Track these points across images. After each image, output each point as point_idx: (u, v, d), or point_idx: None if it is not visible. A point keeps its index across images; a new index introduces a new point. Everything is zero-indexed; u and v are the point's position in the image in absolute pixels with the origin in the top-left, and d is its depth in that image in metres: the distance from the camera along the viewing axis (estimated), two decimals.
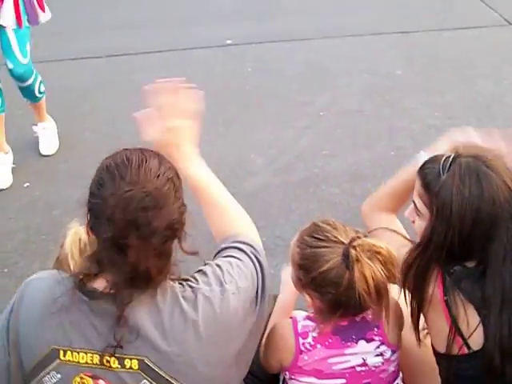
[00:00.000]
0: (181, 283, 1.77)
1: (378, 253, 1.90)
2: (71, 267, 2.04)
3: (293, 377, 2.06)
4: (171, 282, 1.74)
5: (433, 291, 1.89)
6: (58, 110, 5.67)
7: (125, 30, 7.50)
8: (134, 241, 1.59)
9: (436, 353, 1.97)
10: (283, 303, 2.39)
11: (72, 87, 6.40)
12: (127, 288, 1.63)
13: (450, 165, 1.90)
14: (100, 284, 1.67)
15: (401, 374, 2.16)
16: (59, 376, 1.65)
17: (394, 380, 2.11)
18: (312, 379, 2.03)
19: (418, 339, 2.03)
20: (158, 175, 1.68)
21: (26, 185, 4.81)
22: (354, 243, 1.93)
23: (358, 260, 1.89)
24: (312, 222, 2.08)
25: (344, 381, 2.02)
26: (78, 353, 1.64)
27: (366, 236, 1.99)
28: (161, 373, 1.63)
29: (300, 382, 2.05)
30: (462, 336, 1.84)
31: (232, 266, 1.87)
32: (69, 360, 1.64)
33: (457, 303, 1.85)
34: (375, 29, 7.12)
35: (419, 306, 1.95)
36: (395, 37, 6.94)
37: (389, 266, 1.91)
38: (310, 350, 2.03)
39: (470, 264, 1.91)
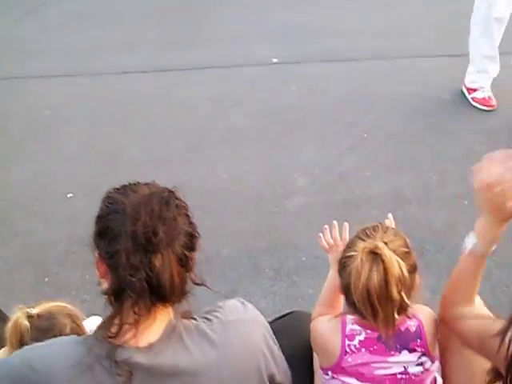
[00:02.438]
0: (192, 318, 1.72)
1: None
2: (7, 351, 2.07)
3: (335, 376, 2.08)
4: (181, 319, 1.69)
5: None
6: (108, 123, 5.77)
7: (170, 46, 7.59)
8: (161, 236, 1.54)
9: None
10: (332, 280, 2.38)
11: (121, 101, 6.50)
12: (149, 306, 1.58)
13: None
14: (117, 332, 1.59)
15: None
16: None
17: None
18: (353, 380, 2.05)
19: None
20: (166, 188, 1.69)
21: (69, 195, 4.88)
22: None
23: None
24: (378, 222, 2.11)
25: None
26: None
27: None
28: None
29: (341, 381, 2.08)
30: None
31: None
32: None
33: None
34: (424, 51, 7.07)
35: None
36: (445, 60, 6.88)
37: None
38: (354, 353, 2.04)
39: None
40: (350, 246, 2.03)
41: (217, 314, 1.73)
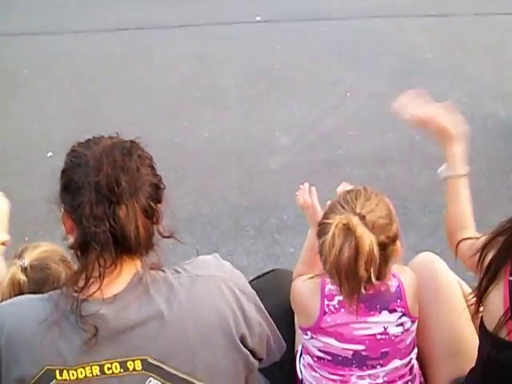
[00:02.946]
0: (161, 269, 1.68)
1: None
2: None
3: (314, 336, 2.07)
4: (149, 270, 1.65)
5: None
6: (87, 81, 5.72)
7: (154, 4, 7.50)
8: (124, 186, 1.52)
9: (483, 327, 1.93)
10: (311, 240, 2.36)
11: (101, 58, 6.44)
12: (114, 257, 1.55)
13: None
14: (83, 286, 1.55)
15: (416, 350, 2.16)
16: None
17: (410, 353, 2.11)
18: (332, 340, 2.04)
19: (477, 318, 1.99)
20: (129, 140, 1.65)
21: (49, 154, 4.84)
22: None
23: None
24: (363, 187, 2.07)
25: (363, 347, 2.04)
26: (76, 369, 1.55)
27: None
28: (166, 368, 1.58)
29: (320, 341, 2.07)
30: None
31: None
32: (66, 379, 1.56)
33: None
34: (408, 11, 7.05)
35: (491, 278, 1.86)
36: (428, 20, 6.87)
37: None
38: (333, 313, 2.03)
39: None
40: (329, 211, 1.98)
41: (186, 267, 1.70)
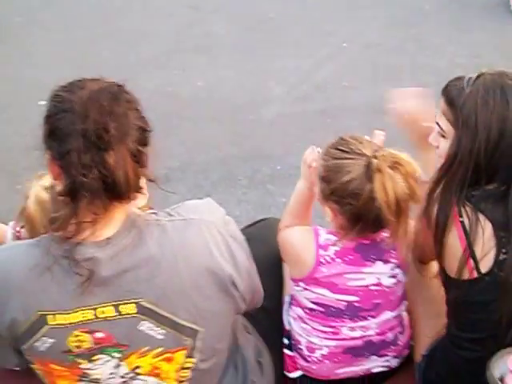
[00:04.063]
0: (153, 213, 1.67)
1: (400, 164, 1.88)
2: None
3: (307, 287, 2.06)
4: (142, 213, 1.65)
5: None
6: (80, 28, 5.66)
7: None
8: (113, 132, 1.48)
9: (446, 279, 1.95)
10: (303, 193, 2.34)
11: (94, 4, 6.38)
12: (104, 201, 1.52)
13: (475, 80, 1.88)
14: (74, 231, 1.53)
15: (406, 302, 2.17)
16: (52, 340, 1.57)
17: (400, 304, 2.12)
18: (325, 291, 2.03)
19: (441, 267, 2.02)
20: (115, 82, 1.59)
21: (41, 102, 4.78)
22: (377, 154, 1.90)
23: (379, 170, 1.86)
24: (339, 136, 2.04)
25: (357, 298, 2.03)
26: (69, 313, 1.55)
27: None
28: (159, 311, 1.58)
29: (313, 292, 2.06)
30: (474, 258, 1.83)
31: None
32: (59, 323, 1.56)
33: (475, 224, 1.82)
34: None
35: (444, 228, 1.90)
36: None
37: (410, 180, 1.88)
38: (329, 263, 2.02)
39: (491, 187, 1.88)
40: (337, 170, 1.96)
41: (179, 210, 1.69)
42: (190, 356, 1.65)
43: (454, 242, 1.86)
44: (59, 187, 1.54)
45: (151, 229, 1.60)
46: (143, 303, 1.56)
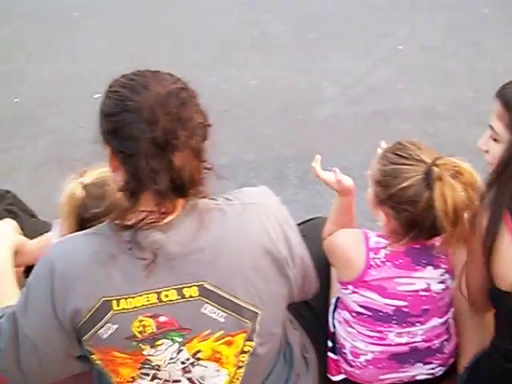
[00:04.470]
0: (211, 198, 1.69)
1: (461, 174, 1.86)
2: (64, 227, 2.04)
3: (356, 290, 2.05)
4: (201, 199, 1.65)
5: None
6: (138, 24, 5.69)
7: None
8: (181, 138, 1.49)
9: (497, 291, 1.92)
10: (343, 206, 2.35)
11: (152, 1, 6.42)
12: (171, 199, 1.56)
13: None
14: (138, 218, 1.56)
15: (452, 309, 2.14)
16: (116, 326, 1.59)
17: (448, 311, 2.09)
18: (374, 295, 2.02)
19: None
20: (175, 78, 1.60)
21: (96, 96, 4.85)
22: (438, 161, 1.88)
23: (440, 178, 1.84)
24: (396, 141, 2.03)
25: (405, 303, 2.01)
26: (133, 297, 1.58)
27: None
28: (221, 293, 1.60)
29: (362, 296, 2.05)
30: None
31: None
32: (123, 308, 1.58)
33: None
34: None
35: (494, 234, 1.88)
36: None
37: (470, 189, 1.86)
38: (379, 266, 2.01)
39: None
40: (396, 175, 1.95)
41: (237, 195, 1.73)
42: (249, 339, 1.67)
43: (507, 248, 1.83)
44: (119, 181, 1.57)
45: (212, 213, 1.63)
46: (206, 285, 1.58)
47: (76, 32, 6.12)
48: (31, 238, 2.46)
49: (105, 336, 1.61)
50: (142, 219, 1.54)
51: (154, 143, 1.48)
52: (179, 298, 1.59)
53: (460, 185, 1.84)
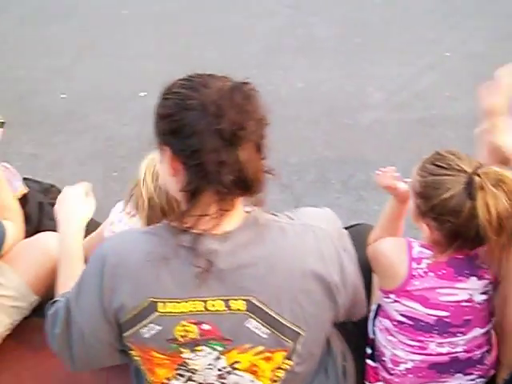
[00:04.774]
0: (273, 214, 1.69)
1: (504, 182, 1.84)
2: (142, 193, 2.03)
3: (398, 299, 2.04)
4: (262, 213, 1.65)
5: None
6: (184, 24, 5.70)
7: None
8: (248, 130, 1.49)
9: None
10: (393, 210, 2.34)
11: (199, 1, 6.45)
12: (233, 196, 1.56)
13: None
14: (194, 223, 1.56)
15: (493, 319, 2.12)
16: (159, 328, 1.60)
17: (489, 322, 2.07)
18: (416, 305, 2.00)
19: None
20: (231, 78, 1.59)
21: (142, 94, 4.89)
22: (479, 171, 1.86)
23: (482, 188, 1.83)
24: (435, 151, 2.01)
25: (447, 314, 1.98)
26: (180, 303, 1.58)
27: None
28: (267, 310, 1.59)
29: (404, 305, 2.03)
30: None
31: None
32: (169, 312, 1.59)
33: None
34: None
35: None
36: None
37: None
38: (422, 277, 1.99)
39: None
40: (437, 186, 1.93)
41: (299, 215, 1.72)
42: (288, 358, 1.66)
43: None
44: (178, 183, 1.57)
45: (271, 229, 1.62)
46: (253, 301, 1.58)
47: (124, 30, 6.18)
48: None
49: (146, 335, 1.62)
50: (198, 222, 1.54)
51: (220, 136, 1.48)
52: (225, 309, 1.58)
53: (503, 193, 1.82)
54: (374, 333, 2.20)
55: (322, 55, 5.42)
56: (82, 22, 6.43)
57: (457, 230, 1.89)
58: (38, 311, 2.52)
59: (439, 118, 4.61)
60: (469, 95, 4.79)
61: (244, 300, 1.58)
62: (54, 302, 1.83)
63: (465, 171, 1.87)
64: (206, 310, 1.58)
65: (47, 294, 2.54)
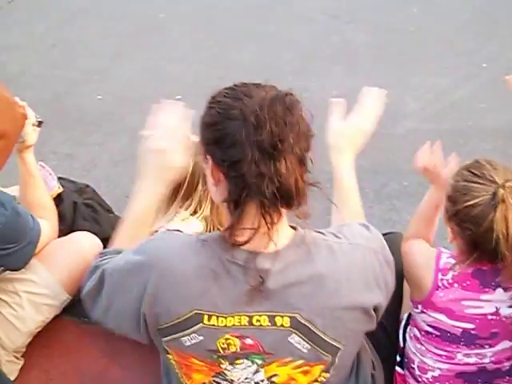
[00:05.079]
0: (319, 232, 1.67)
1: None
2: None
3: (425, 310, 2.04)
4: (308, 230, 1.64)
5: None
6: (222, 28, 5.71)
7: None
8: (288, 142, 1.47)
9: None
10: (433, 199, 2.32)
11: (237, 6, 6.50)
12: (276, 209, 1.53)
13: None
14: (246, 240, 1.54)
15: None
16: (201, 338, 1.61)
17: None
18: (442, 317, 2.00)
19: None
20: (276, 87, 1.57)
21: (177, 97, 4.92)
22: (507, 183, 1.85)
23: (503, 201, 1.81)
24: (474, 159, 2.00)
25: (473, 326, 1.98)
26: (226, 318, 1.58)
27: None
28: (312, 328, 1.58)
29: (431, 316, 2.04)
30: None
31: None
32: (213, 324, 1.59)
33: None
34: None
35: None
36: None
37: None
38: (446, 288, 1.99)
39: None
40: (465, 192, 1.92)
41: (345, 232, 1.69)
42: (326, 371, 1.66)
43: None
44: (221, 194, 1.57)
45: (319, 248, 1.61)
46: (299, 318, 1.57)
47: (160, 33, 6.23)
48: (107, 232, 2.53)
49: (187, 344, 1.62)
50: (249, 238, 1.53)
51: (260, 147, 1.47)
52: (270, 324, 1.58)
53: None
54: (404, 341, 2.20)
55: (358, 63, 5.41)
56: (119, 24, 6.48)
57: (476, 239, 1.88)
58: (69, 310, 2.55)
59: (475, 129, 4.58)
60: (506, 107, 4.78)
61: (289, 317, 1.57)
62: (105, 254, 1.85)
63: (495, 182, 1.86)
64: (251, 324, 1.58)
65: (79, 294, 2.57)
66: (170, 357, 1.70)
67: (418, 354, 2.10)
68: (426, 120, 4.69)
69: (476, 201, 1.84)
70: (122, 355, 2.49)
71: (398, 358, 2.22)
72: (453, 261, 2.00)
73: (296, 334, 1.58)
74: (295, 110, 1.52)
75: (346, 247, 1.64)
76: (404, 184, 3.98)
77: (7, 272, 2.41)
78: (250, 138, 1.47)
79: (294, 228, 1.63)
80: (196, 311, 1.58)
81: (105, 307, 1.71)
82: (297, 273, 1.57)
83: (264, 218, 1.52)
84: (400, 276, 2.19)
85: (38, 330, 2.47)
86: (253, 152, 1.47)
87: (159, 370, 1.92)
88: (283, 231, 1.59)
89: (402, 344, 2.22)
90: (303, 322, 1.57)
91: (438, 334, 2.03)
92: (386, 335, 2.22)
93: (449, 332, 2.01)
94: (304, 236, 1.61)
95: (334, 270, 1.60)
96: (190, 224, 2.39)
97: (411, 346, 2.14)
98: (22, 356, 2.47)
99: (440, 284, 1.99)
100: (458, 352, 2.01)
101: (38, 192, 2.52)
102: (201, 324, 1.59)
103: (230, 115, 1.51)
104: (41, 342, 2.49)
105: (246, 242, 1.53)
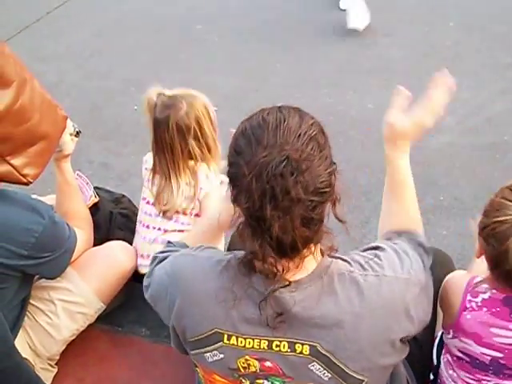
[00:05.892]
0: (346, 261, 1.64)
1: None
2: None
3: (455, 335, 2.02)
4: (335, 260, 1.62)
5: None
6: (257, 41, 5.70)
7: None
8: (270, 212, 1.41)
9: None
10: None
11: (273, 19, 6.50)
12: (278, 259, 1.51)
13: None
14: (267, 266, 1.52)
15: None
16: (222, 356, 1.63)
17: None
18: (471, 342, 1.97)
19: None
20: (299, 135, 1.46)
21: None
22: None
23: None
24: None
25: (501, 355, 1.94)
26: (245, 339, 1.60)
27: None
28: (332, 358, 1.56)
29: (461, 341, 2.00)
30: None
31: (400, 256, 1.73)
32: (233, 344, 1.61)
33: None
34: None
35: None
36: None
37: None
38: (475, 310, 1.96)
39: None
40: (498, 208, 1.90)
41: (373, 264, 1.64)
42: None
43: None
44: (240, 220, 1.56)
45: (343, 280, 1.59)
46: (319, 348, 1.57)
47: (197, 45, 6.27)
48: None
49: (210, 360, 1.65)
50: (270, 267, 1.52)
51: (248, 212, 1.47)
52: (289, 350, 1.58)
53: None
54: (438, 360, 2.18)
55: (394, 76, 5.38)
56: (157, 35, 6.54)
57: (496, 257, 1.84)
58: (104, 319, 2.57)
59: (511, 144, 4.52)
60: None
61: (309, 345, 1.57)
62: (171, 245, 1.96)
63: None
64: (270, 348, 1.59)
65: (113, 303, 2.59)
66: (198, 370, 1.73)
67: (450, 380, 2.09)
68: (461, 134, 4.64)
69: (505, 218, 1.82)
70: (155, 366, 2.50)
71: (432, 377, 2.20)
72: (485, 285, 1.98)
73: (316, 362, 1.57)
74: (301, 176, 1.44)
75: (371, 279, 1.61)
76: (440, 198, 3.94)
77: (42, 280, 2.44)
78: (255, 187, 1.43)
79: (322, 253, 1.61)
80: (216, 330, 1.61)
81: (152, 304, 1.83)
82: (317, 304, 1.56)
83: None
84: (435, 290, 2.18)
85: (72, 339, 2.49)
86: (260, 203, 1.44)
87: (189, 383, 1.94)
88: (310, 260, 1.57)
89: (435, 362, 2.20)
90: (323, 352, 1.57)
91: (468, 360, 2.00)
92: (420, 352, 2.20)
93: (478, 359, 1.97)
94: (328, 267, 1.59)
95: (356, 305, 1.57)
96: None
97: (444, 371, 2.13)
98: (55, 364, 2.50)
99: (468, 305, 1.96)
100: (488, 381, 1.99)
101: (74, 201, 2.55)
102: (221, 343, 1.61)
103: (237, 161, 1.49)
104: (75, 350, 2.52)
105: (265, 269, 1.51)
